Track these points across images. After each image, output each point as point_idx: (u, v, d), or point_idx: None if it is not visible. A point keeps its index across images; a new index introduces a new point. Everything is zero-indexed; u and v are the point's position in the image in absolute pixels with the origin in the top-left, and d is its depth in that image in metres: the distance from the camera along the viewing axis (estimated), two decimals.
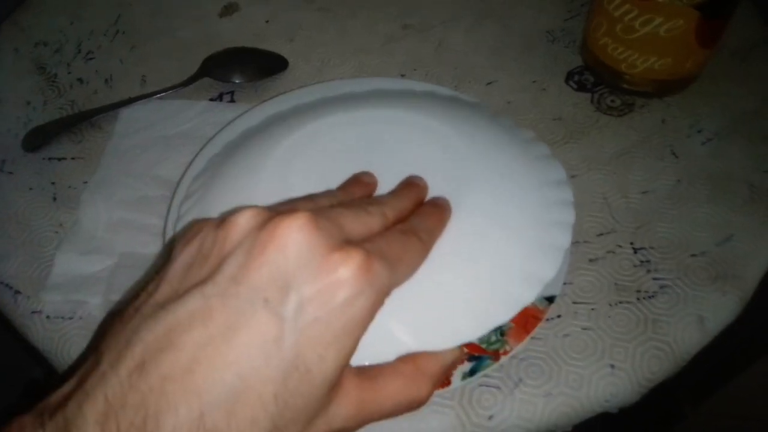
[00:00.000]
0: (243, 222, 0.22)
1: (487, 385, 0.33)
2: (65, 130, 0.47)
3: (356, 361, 0.23)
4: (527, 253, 0.28)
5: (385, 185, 0.31)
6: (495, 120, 0.38)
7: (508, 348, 0.33)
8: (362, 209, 0.25)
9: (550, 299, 0.34)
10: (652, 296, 0.37)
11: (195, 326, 0.20)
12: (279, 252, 0.21)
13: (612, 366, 0.34)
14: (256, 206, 0.23)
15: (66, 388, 0.21)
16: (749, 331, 0.61)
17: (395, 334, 0.24)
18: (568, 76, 0.49)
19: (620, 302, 0.36)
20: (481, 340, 0.33)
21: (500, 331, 0.33)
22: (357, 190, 0.30)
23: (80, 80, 0.51)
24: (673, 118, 0.46)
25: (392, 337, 0.24)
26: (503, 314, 0.26)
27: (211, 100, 0.49)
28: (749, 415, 0.70)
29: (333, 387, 0.21)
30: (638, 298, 0.37)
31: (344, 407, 0.22)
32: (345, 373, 0.22)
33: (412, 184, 0.30)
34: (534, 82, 0.49)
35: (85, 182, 0.44)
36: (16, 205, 0.43)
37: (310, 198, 0.27)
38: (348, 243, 0.22)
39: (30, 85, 0.51)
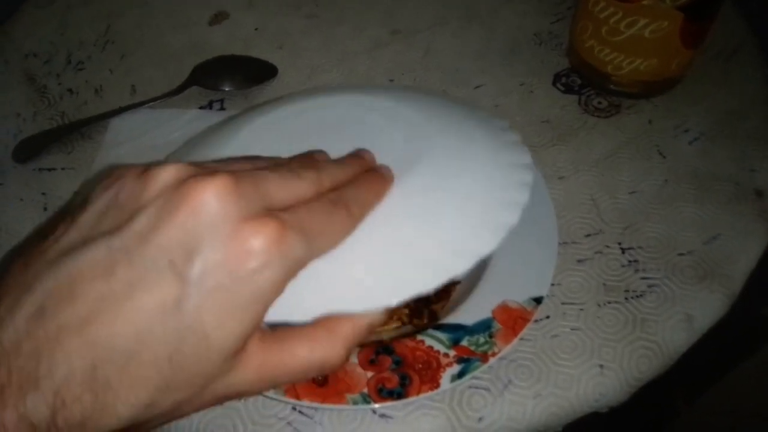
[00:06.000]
0: (163, 177, 0.21)
1: (476, 387, 0.34)
2: (55, 140, 0.47)
3: (271, 318, 0.22)
4: (466, 227, 0.27)
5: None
6: (467, 109, 0.38)
7: (496, 349, 0.33)
8: (294, 173, 0.24)
9: (538, 300, 0.35)
10: (641, 296, 0.37)
11: (97, 278, 0.20)
12: (190, 214, 0.20)
13: (601, 366, 0.34)
14: (182, 162, 0.22)
15: None
16: (741, 327, 0.62)
17: (311, 293, 0.24)
18: (556, 79, 0.50)
19: (609, 302, 0.37)
20: (470, 342, 0.33)
21: (488, 332, 0.34)
22: (305, 162, 0.29)
23: (70, 91, 0.52)
24: (660, 119, 0.46)
25: (307, 297, 0.23)
26: (426, 282, 0.25)
27: (201, 108, 0.49)
28: (743, 411, 0.71)
29: (235, 353, 0.21)
30: (626, 298, 0.37)
31: (246, 372, 0.22)
32: (250, 337, 0.22)
33: (356, 155, 0.29)
34: (521, 84, 0.49)
35: (76, 193, 0.44)
36: (7, 215, 0.43)
37: (249, 159, 0.26)
38: (265, 212, 0.21)
39: (20, 97, 0.51)
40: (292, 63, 0.52)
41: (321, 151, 0.30)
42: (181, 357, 0.20)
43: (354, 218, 0.25)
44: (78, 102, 0.51)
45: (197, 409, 0.22)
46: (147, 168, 0.22)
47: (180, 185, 0.21)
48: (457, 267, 0.26)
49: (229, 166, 0.24)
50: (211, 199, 0.20)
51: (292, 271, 0.22)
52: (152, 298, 0.20)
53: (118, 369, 0.19)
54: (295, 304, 0.23)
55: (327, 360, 0.24)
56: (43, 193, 0.45)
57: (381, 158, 0.30)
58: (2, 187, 0.45)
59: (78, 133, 0.48)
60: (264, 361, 0.22)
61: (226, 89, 0.50)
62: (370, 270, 0.25)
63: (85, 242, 0.21)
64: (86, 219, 0.22)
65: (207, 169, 0.22)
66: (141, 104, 0.49)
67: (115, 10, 0.58)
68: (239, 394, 0.23)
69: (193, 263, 0.20)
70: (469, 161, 0.31)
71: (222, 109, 0.49)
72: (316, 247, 0.23)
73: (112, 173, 0.23)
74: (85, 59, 0.54)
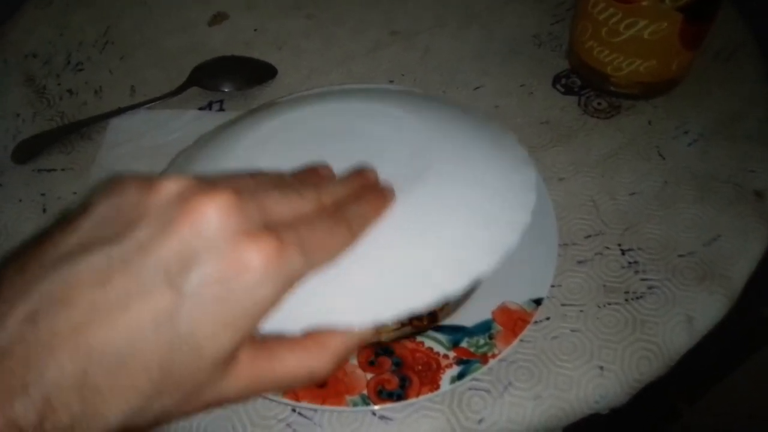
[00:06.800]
0: (167, 189, 0.22)
1: (476, 389, 0.33)
2: (55, 141, 0.47)
3: (264, 326, 0.23)
4: (464, 246, 0.27)
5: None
6: (476, 120, 0.38)
7: (496, 351, 0.33)
8: (295, 192, 0.24)
9: (538, 301, 0.35)
10: (641, 297, 0.37)
11: (93, 286, 0.20)
12: (191, 228, 0.21)
13: (601, 367, 0.34)
14: (186, 176, 0.22)
15: None
16: (741, 329, 0.62)
17: (305, 304, 0.24)
18: (555, 80, 0.49)
19: (609, 303, 0.37)
20: (470, 343, 0.33)
21: (488, 334, 0.33)
22: (308, 178, 0.29)
23: (70, 91, 0.52)
24: (660, 120, 0.46)
25: (301, 308, 0.24)
26: (421, 300, 0.25)
27: (200, 109, 0.49)
28: (744, 412, 0.71)
29: (226, 362, 0.21)
30: (626, 299, 0.37)
31: (236, 380, 0.22)
32: (241, 345, 0.22)
33: (357, 172, 0.29)
34: (521, 86, 0.49)
35: (75, 193, 0.44)
36: (6, 216, 0.43)
37: (252, 174, 0.26)
38: (264, 228, 0.22)
39: (19, 97, 0.51)
40: (292, 64, 0.52)
41: (325, 165, 0.30)
42: (173, 365, 0.20)
43: (353, 235, 0.25)
44: (77, 102, 0.51)
45: (186, 415, 0.22)
46: (150, 179, 0.22)
47: (182, 198, 0.21)
48: (452, 286, 0.26)
49: (231, 181, 0.25)
50: (212, 214, 0.21)
51: (287, 286, 0.22)
52: (147, 308, 0.20)
53: (109, 375, 0.19)
54: (288, 314, 0.23)
55: (315, 371, 0.24)
56: (43, 194, 0.45)
57: (385, 171, 0.30)
58: (1, 188, 0.45)
59: (77, 133, 0.48)
60: (253, 369, 0.23)
61: (226, 90, 0.50)
62: (365, 285, 0.26)
63: (83, 249, 0.21)
64: (85, 225, 0.22)
65: (210, 184, 0.22)
66: (140, 105, 0.49)
67: (114, 11, 0.58)
68: (228, 401, 0.23)
69: (189, 276, 0.20)
70: (473, 179, 0.31)
71: (221, 110, 0.49)
72: (313, 263, 0.23)
73: (113, 181, 0.23)
74: (85, 60, 0.54)
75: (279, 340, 0.24)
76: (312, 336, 0.24)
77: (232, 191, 0.21)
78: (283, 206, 0.23)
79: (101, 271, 0.20)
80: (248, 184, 0.24)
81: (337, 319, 0.24)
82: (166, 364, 0.20)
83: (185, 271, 0.20)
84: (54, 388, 0.19)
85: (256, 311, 0.21)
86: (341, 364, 0.25)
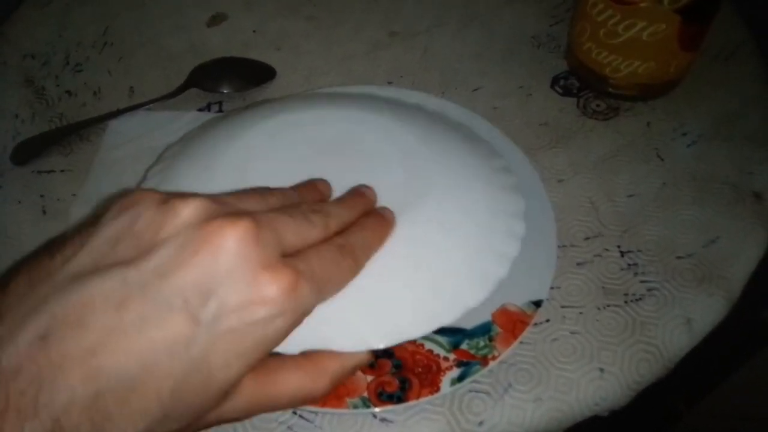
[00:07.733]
0: (185, 212, 0.22)
1: (476, 391, 0.34)
2: (54, 142, 0.47)
3: None
4: (457, 277, 0.28)
5: (340, 188, 0.31)
6: (461, 130, 0.38)
7: (496, 353, 0.33)
8: (305, 218, 0.25)
9: (538, 303, 0.35)
10: (640, 299, 0.37)
11: (108, 310, 0.20)
12: (211, 257, 0.21)
13: (601, 369, 0.34)
14: (204, 197, 0.22)
15: None
16: (741, 330, 0.62)
17: (305, 328, 0.24)
18: (554, 81, 0.50)
19: (608, 305, 0.37)
20: (470, 345, 0.33)
21: (488, 336, 0.33)
22: (309, 196, 0.30)
23: (68, 92, 0.51)
24: (658, 121, 0.46)
25: (300, 332, 0.24)
26: (415, 330, 0.26)
27: (200, 110, 0.49)
28: (744, 414, 0.71)
29: (232, 389, 0.22)
30: (626, 301, 0.37)
31: (237, 402, 0.23)
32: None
33: (359, 194, 0.30)
34: (520, 87, 0.49)
35: (74, 195, 0.44)
36: (5, 218, 0.43)
37: (261, 194, 0.27)
38: (281, 260, 0.22)
39: (18, 98, 0.51)
40: (291, 65, 0.52)
41: (323, 181, 0.31)
42: (183, 392, 0.20)
43: (359, 265, 0.26)
44: (76, 104, 0.51)
45: None
46: (166, 199, 0.22)
47: (201, 224, 0.21)
48: (445, 317, 0.27)
49: (243, 202, 0.25)
50: (232, 244, 0.21)
51: (300, 319, 0.23)
52: (163, 335, 0.20)
53: (120, 400, 0.19)
54: (289, 338, 0.23)
55: (312, 394, 0.25)
56: (42, 196, 0.44)
57: (380, 190, 0.30)
58: (0, 190, 0.45)
59: (76, 135, 0.48)
60: (255, 391, 0.23)
61: (225, 91, 0.50)
62: (361, 312, 0.26)
63: (97, 269, 0.21)
64: (98, 243, 0.22)
65: (227, 208, 0.22)
66: (139, 106, 0.49)
67: (113, 12, 0.58)
68: (228, 422, 0.23)
69: (207, 305, 0.20)
70: (465, 206, 0.32)
71: (220, 111, 0.49)
72: (324, 295, 0.24)
73: (126, 196, 0.23)
74: (84, 61, 0.54)
75: (278, 362, 0.24)
76: (310, 357, 0.25)
77: (251, 220, 0.22)
78: (295, 234, 0.24)
79: (117, 295, 0.20)
80: (261, 208, 0.24)
81: (334, 344, 0.25)
82: (178, 390, 0.20)
83: (204, 300, 0.20)
84: (65, 411, 0.19)
85: (268, 343, 0.22)
86: (338, 385, 0.26)
